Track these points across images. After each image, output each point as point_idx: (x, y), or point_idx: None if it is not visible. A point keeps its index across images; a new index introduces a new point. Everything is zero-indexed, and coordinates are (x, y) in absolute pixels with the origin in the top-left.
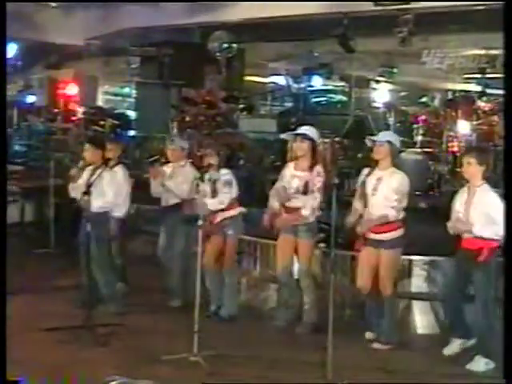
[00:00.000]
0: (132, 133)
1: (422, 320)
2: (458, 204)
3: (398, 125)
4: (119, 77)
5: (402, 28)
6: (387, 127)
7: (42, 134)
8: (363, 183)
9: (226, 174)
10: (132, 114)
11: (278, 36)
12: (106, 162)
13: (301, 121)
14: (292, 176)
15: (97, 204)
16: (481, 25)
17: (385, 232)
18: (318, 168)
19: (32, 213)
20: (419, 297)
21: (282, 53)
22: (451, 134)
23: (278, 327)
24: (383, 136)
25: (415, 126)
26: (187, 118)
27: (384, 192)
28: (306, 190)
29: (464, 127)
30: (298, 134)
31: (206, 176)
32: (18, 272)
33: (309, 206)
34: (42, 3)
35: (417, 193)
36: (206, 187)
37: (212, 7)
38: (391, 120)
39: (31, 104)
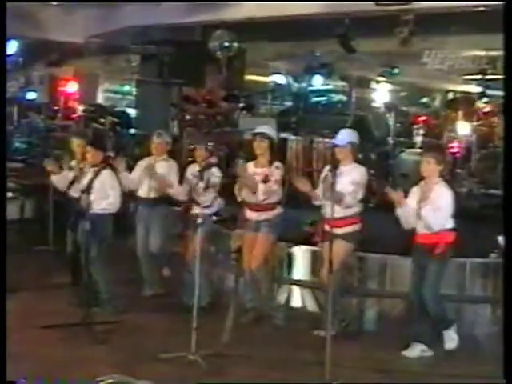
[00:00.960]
0: (132, 131)
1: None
2: (413, 200)
3: (398, 125)
4: (120, 75)
5: (402, 28)
6: (387, 127)
7: (42, 131)
8: (324, 179)
9: (217, 175)
10: (132, 112)
11: (278, 35)
12: (106, 163)
13: (301, 120)
14: (253, 173)
15: (99, 206)
16: (481, 26)
17: (342, 226)
18: (277, 163)
19: (32, 210)
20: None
21: (282, 52)
22: (451, 134)
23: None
24: (344, 139)
25: (415, 126)
26: (187, 117)
27: (343, 184)
28: (266, 181)
29: (464, 128)
30: (256, 134)
31: (195, 168)
32: (17, 269)
33: (264, 189)
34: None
35: None
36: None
37: (213, 6)
38: (391, 120)
39: (32, 101)
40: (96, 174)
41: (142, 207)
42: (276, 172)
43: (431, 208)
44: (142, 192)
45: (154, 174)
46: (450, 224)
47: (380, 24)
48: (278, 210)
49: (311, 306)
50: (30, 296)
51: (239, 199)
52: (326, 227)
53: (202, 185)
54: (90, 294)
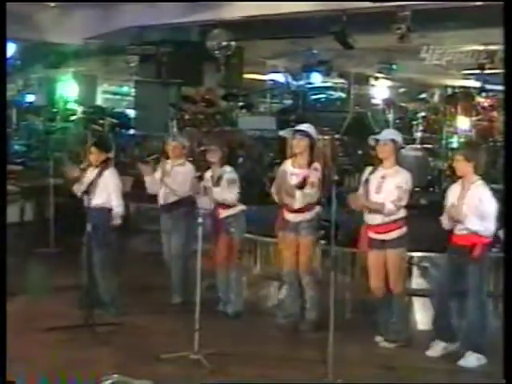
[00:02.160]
0: (131, 131)
1: (422, 316)
2: (451, 199)
3: (398, 121)
4: (118, 76)
5: (400, 24)
6: (386, 124)
7: (41, 133)
8: (367, 181)
9: (230, 171)
10: (131, 112)
11: (276, 33)
12: (106, 163)
13: (300, 118)
14: (290, 174)
15: (102, 206)
16: (479, 21)
17: (387, 232)
18: (316, 165)
19: (31, 212)
20: (420, 293)
21: (280, 50)
22: (451, 130)
23: (280, 325)
24: (387, 134)
25: (415, 122)
26: (186, 117)
27: (388, 190)
28: (303, 186)
29: (463, 123)
30: (296, 131)
31: (209, 173)
32: (18, 272)
33: (301, 200)
34: (40, 3)
35: (416, 189)
36: (208, 184)
37: (210, 5)
38: (390, 116)
39: (30, 103)
40: (98, 175)
41: (163, 213)
42: (314, 174)
43: (468, 208)
44: (162, 199)
45: (163, 182)
46: (488, 225)
47: (377, 20)
48: (317, 210)
49: None
50: (32, 298)
51: (277, 200)
52: (371, 234)
53: (209, 184)
54: (92, 296)
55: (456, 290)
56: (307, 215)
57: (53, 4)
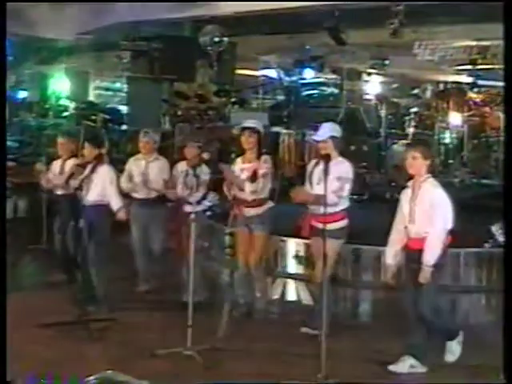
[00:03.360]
0: (124, 127)
1: None
2: (404, 203)
3: (390, 117)
4: (110, 71)
5: (393, 20)
6: (379, 119)
7: (33, 129)
8: (310, 174)
9: (206, 172)
10: (123, 108)
11: (269, 29)
12: (100, 159)
13: (292, 114)
14: (240, 169)
15: (96, 202)
16: (472, 16)
17: (329, 222)
18: (265, 157)
19: (24, 209)
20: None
21: (273, 46)
22: (443, 125)
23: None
24: (324, 133)
25: (407, 117)
26: (179, 112)
27: (329, 181)
28: (254, 179)
29: (456, 119)
30: (245, 128)
31: (183, 167)
32: (11, 268)
33: (256, 187)
34: None
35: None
36: (189, 180)
37: (203, 0)
38: (383, 112)
39: (23, 100)
40: (92, 170)
41: (139, 207)
42: (264, 166)
43: (421, 209)
44: (140, 193)
45: (147, 177)
46: (441, 226)
47: (370, 16)
48: (269, 205)
49: (306, 300)
50: (25, 295)
51: (229, 197)
52: (315, 223)
53: (194, 182)
54: (85, 292)
55: (416, 298)
56: (259, 210)
57: None
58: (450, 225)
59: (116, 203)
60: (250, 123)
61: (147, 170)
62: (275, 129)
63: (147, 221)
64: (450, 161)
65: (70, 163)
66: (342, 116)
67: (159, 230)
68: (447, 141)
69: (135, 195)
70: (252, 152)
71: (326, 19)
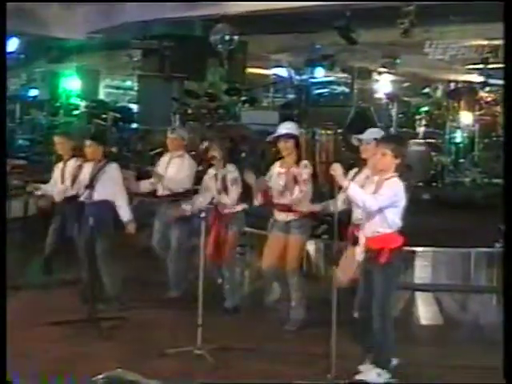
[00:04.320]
0: (134, 126)
1: (425, 311)
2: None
3: (401, 116)
4: (121, 70)
5: (404, 19)
6: (390, 118)
7: (44, 127)
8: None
9: (232, 171)
10: (134, 107)
11: (280, 28)
12: (107, 157)
13: (303, 112)
14: (278, 174)
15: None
16: (483, 15)
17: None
18: (304, 162)
19: (35, 207)
20: (422, 288)
21: (284, 45)
22: (454, 124)
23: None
24: (370, 134)
25: (418, 116)
26: (189, 111)
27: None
28: (293, 185)
29: (466, 118)
30: (281, 136)
31: (212, 171)
32: (22, 266)
33: (298, 195)
34: None
35: (419, 184)
36: (211, 183)
37: (213, 0)
38: (393, 111)
39: (34, 98)
40: (100, 169)
41: (160, 204)
42: (304, 172)
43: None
44: (160, 190)
45: (159, 175)
46: (395, 226)
47: (381, 15)
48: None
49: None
50: (36, 293)
51: (257, 202)
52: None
53: (212, 184)
54: (95, 291)
55: (369, 299)
56: (297, 215)
57: None
58: (399, 224)
59: (125, 215)
60: (283, 130)
61: (168, 166)
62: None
63: (166, 219)
64: (461, 160)
65: (72, 164)
66: (352, 115)
67: (180, 228)
68: (458, 140)
69: (157, 193)
70: (290, 157)
71: (336, 18)
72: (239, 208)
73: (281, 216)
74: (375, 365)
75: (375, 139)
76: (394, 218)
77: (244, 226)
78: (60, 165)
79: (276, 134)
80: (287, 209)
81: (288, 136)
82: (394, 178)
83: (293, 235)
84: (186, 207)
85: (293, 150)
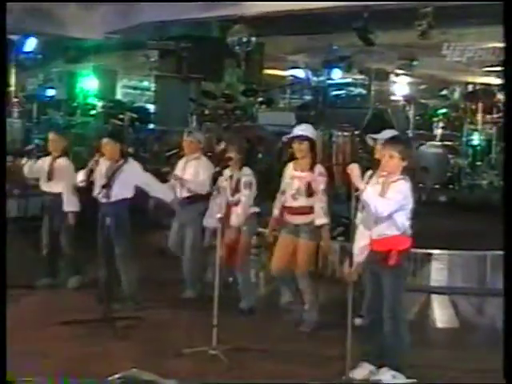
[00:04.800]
0: (151, 126)
1: (441, 314)
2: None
3: (418, 118)
4: (138, 70)
5: (421, 21)
6: (407, 120)
7: (61, 127)
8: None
9: (248, 174)
10: (151, 107)
11: (297, 29)
12: (124, 156)
13: (320, 114)
14: (292, 177)
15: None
16: (500, 17)
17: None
18: (319, 167)
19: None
20: (438, 291)
21: (301, 46)
22: (471, 127)
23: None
24: (385, 134)
25: (435, 119)
26: (206, 112)
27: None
28: (310, 192)
29: (484, 120)
30: (296, 136)
31: (227, 172)
32: (39, 264)
33: (318, 210)
34: None
35: (436, 186)
36: (225, 184)
37: (231, 0)
38: (411, 113)
39: (51, 98)
40: (118, 168)
41: (178, 206)
42: (319, 180)
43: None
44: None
45: (178, 177)
46: (404, 228)
47: (399, 17)
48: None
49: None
50: (51, 292)
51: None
52: None
53: (226, 185)
54: (111, 290)
55: (376, 301)
56: (309, 218)
57: None
58: (407, 226)
59: (166, 195)
60: (299, 131)
61: (185, 169)
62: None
63: (184, 221)
64: (478, 163)
65: (60, 162)
66: (369, 117)
67: (195, 231)
68: (475, 142)
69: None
70: (304, 160)
71: (354, 20)
72: (251, 211)
73: (291, 219)
74: (389, 367)
75: (306, 137)
76: (402, 221)
77: (256, 227)
78: (47, 159)
79: (291, 135)
80: (299, 212)
81: (303, 138)
82: (401, 181)
83: (302, 239)
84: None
85: (307, 153)
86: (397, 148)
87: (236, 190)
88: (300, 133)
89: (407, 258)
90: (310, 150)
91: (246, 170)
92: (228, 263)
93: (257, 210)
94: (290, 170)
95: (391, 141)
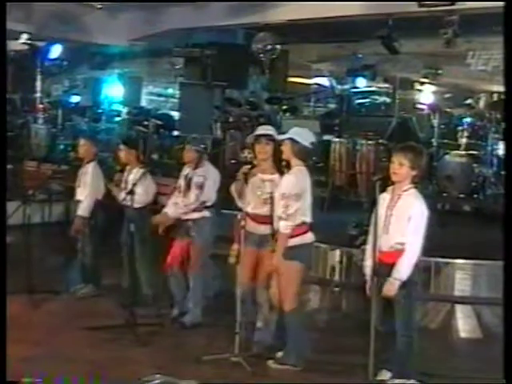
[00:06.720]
0: (175, 133)
1: (464, 324)
2: (381, 210)
3: (443, 126)
4: (163, 77)
5: (446, 29)
6: (431, 129)
7: (86, 133)
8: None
9: (200, 175)
10: (175, 114)
11: (321, 37)
12: (142, 162)
13: (344, 122)
14: (262, 181)
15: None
16: None
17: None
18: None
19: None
20: (462, 301)
21: (325, 54)
22: (496, 136)
23: None
24: (259, 130)
25: (460, 128)
26: (230, 119)
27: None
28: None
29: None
30: (260, 136)
31: (184, 172)
32: (60, 270)
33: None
34: (86, 3)
35: (461, 196)
36: (182, 182)
37: (256, 8)
38: (435, 122)
39: (76, 104)
40: (142, 175)
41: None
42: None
43: (397, 220)
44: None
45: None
46: (415, 241)
47: (424, 25)
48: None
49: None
50: (73, 298)
51: (241, 205)
52: None
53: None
54: (133, 295)
55: (389, 313)
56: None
57: (99, 5)
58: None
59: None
60: (266, 130)
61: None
62: (326, 137)
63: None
64: (503, 172)
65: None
66: (394, 125)
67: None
68: (500, 152)
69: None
70: (266, 163)
71: (379, 28)
72: (197, 215)
73: (256, 228)
74: (401, 375)
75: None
76: (418, 243)
77: (209, 236)
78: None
79: (257, 133)
80: (266, 221)
81: (269, 138)
82: (411, 190)
83: (266, 249)
84: None
85: (270, 156)
86: (407, 156)
87: (188, 189)
88: (268, 132)
89: (416, 269)
90: (272, 153)
91: (200, 171)
92: (171, 269)
93: (207, 215)
94: (257, 174)
95: (401, 149)
